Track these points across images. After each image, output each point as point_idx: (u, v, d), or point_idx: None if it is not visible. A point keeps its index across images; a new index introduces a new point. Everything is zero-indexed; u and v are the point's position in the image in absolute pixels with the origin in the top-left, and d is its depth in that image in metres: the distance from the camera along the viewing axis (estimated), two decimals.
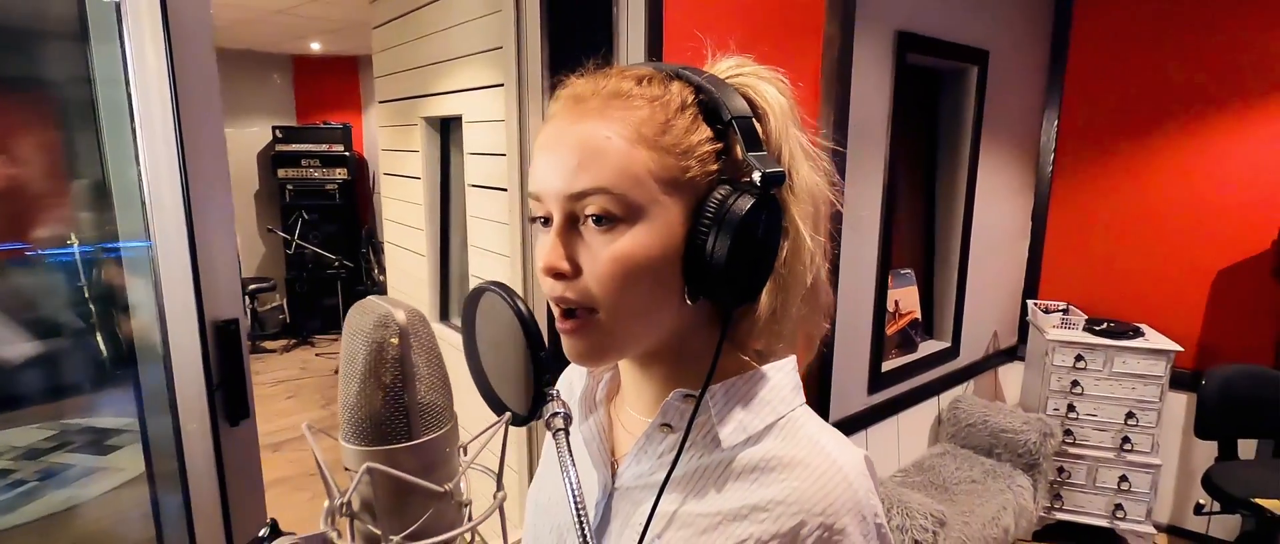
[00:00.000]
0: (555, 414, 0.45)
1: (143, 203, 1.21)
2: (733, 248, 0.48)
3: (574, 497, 0.41)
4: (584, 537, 0.40)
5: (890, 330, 2.55)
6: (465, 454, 0.46)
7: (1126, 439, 2.71)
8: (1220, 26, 2.71)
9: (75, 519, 1.40)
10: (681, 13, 1.67)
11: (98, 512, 1.44)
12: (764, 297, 0.54)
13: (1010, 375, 3.27)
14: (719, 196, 0.50)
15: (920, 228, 2.89)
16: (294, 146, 5.92)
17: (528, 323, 0.45)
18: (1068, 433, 2.77)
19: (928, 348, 2.78)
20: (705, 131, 0.52)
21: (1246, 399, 2.29)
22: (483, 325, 0.49)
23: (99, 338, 1.48)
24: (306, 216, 5.81)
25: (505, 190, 2.28)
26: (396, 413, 0.41)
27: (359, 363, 0.41)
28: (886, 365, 2.49)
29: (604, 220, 0.50)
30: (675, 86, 0.52)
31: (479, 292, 0.49)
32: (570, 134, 0.51)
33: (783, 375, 0.57)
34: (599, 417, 0.62)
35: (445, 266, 3.22)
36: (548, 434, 0.70)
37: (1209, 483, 2.21)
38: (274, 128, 5.87)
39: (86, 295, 1.49)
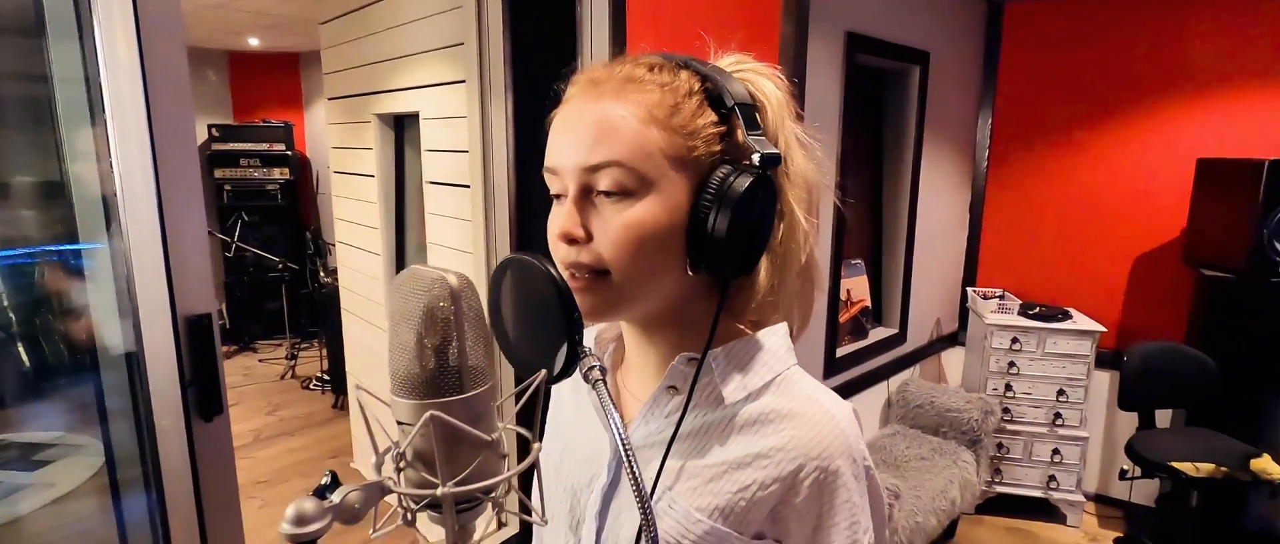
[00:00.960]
0: (592, 366, 0.49)
1: (104, 200, 1.19)
2: (732, 222, 0.53)
3: (621, 438, 0.45)
4: (633, 472, 0.45)
5: (843, 318, 2.67)
6: (502, 412, 0.50)
7: (1058, 415, 2.90)
8: (1135, 32, 2.93)
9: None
10: (644, 10, 1.72)
11: (32, 528, 1.39)
12: (761, 272, 0.60)
13: (952, 359, 3.45)
14: (721, 175, 0.55)
15: (869, 220, 3.03)
16: (232, 146, 5.71)
17: (561, 284, 0.49)
18: (1006, 411, 2.95)
19: (877, 334, 2.91)
20: (710, 116, 0.57)
21: (1163, 373, 2.49)
22: (510, 295, 0.53)
23: (21, 348, 1.43)
24: (246, 218, 5.62)
25: (468, 187, 2.28)
26: (448, 369, 0.45)
27: (416, 323, 0.44)
28: (840, 351, 2.60)
29: (616, 191, 0.55)
30: (684, 74, 0.57)
31: (509, 261, 0.52)
32: (588, 112, 0.56)
33: (777, 339, 0.63)
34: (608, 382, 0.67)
35: (401, 265, 3.19)
36: (552, 403, 0.75)
37: (1131, 451, 2.40)
38: (210, 126, 5.65)
39: (4, 303, 1.44)
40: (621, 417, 0.66)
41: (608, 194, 0.55)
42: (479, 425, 0.46)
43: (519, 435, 0.51)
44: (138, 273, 1.11)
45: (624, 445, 0.45)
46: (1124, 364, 2.51)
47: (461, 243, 2.50)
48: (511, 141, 1.91)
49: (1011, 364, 2.93)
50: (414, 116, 2.72)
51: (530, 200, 1.95)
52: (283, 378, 4.93)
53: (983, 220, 3.36)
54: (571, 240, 0.56)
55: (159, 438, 1.16)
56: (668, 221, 0.55)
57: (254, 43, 5.65)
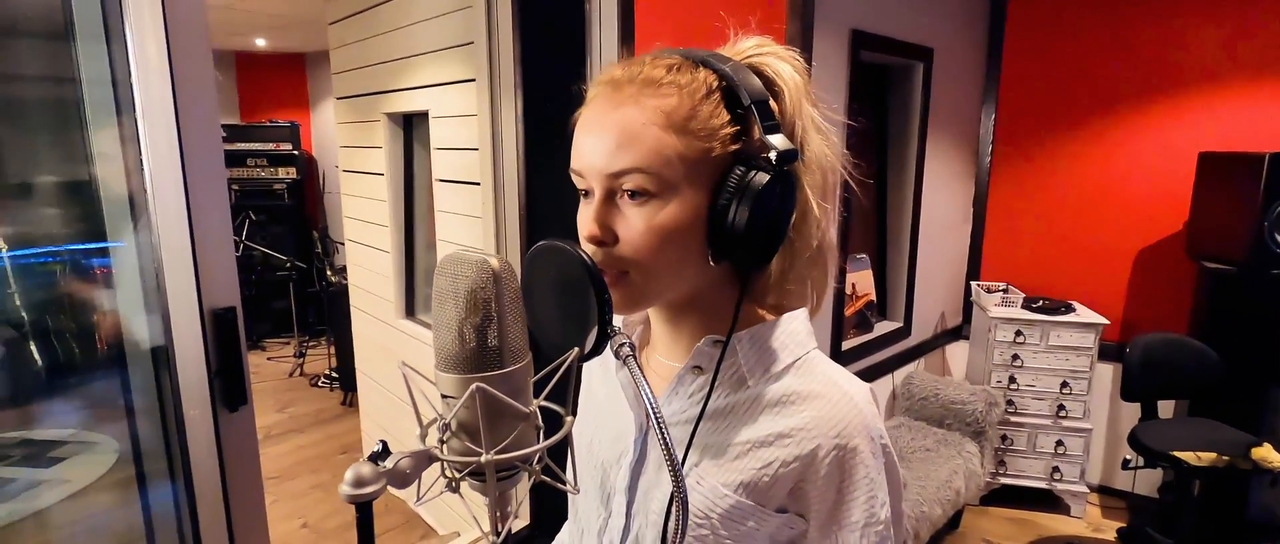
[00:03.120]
0: (623, 344, 0.53)
1: (131, 198, 1.23)
2: (750, 218, 0.56)
3: (654, 409, 0.48)
4: (664, 440, 0.48)
5: (848, 312, 2.70)
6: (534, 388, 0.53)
7: (1062, 406, 2.93)
8: (1138, 27, 2.95)
9: (19, 537, 1.38)
10: (652, 8, 1.75)
11: (53, 521, 1.42)
12: (775, 258, 0.62)
13: (956, 353, 3.48)
14: (738, 173, 0.57)
15: (873, 215, 3.06)
16: (239, 145, 5.76)
17: (593, 268, 0.52)
18: (1010, 403, 2.98)
19: (882, 328, 2.94)
20: (726, 115, 0.59)
21: (1165, 364, 2.52)
22: (544, 278, 0.56)
23: (37, 346, 1.45)
24: (254, 217, 5.66)
25: (478, 185, 2.31)
26: (489, 346, 0.48)
27: (460, 304, 0.47)
28: (846, 345, 2.63)
29: (639, 195, 0.58)
30: (702, 74, 0.59)
31: (543, 247, 0.56)
32: (610, 119, 0.58)
33: (798, 323, 0.66)
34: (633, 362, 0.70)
35: (411, 263, 3.23)
36: (584, 387, 0.78)
37: (1134, 440, 2.43)
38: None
39: (18, 303, 1.46)
40: None
41: (631, 196, 0.58)
42: (517, 399, 0.50)
43: (550, 412, 0.54)
44: (167, 268, 1.15)
45: (655, 414, 0.48)
46: (1126, 355, 2.53)
47: (471, 239, 2.53)
48: (521, 139, 1.94)
49: (1015, 357, 2.95)
50: (423, 115, 2.75)
51: (540, 197, 1.98)
52: (291, 376, 4.97)
53: (986, 214, 3.39)
54: (598, 242, 0.59)
55: (187, 428, 1.20)
56: (689, 221, 0.58)
57: (261, 43, 5.69)
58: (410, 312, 3.20)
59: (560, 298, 0.55)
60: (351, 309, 3.57)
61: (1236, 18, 2.77)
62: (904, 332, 3.01)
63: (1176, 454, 2.26)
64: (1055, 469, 2.97)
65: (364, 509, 0.45)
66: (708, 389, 0.62)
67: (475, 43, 2.11)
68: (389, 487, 0.47)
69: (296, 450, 3.80)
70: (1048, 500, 3.06)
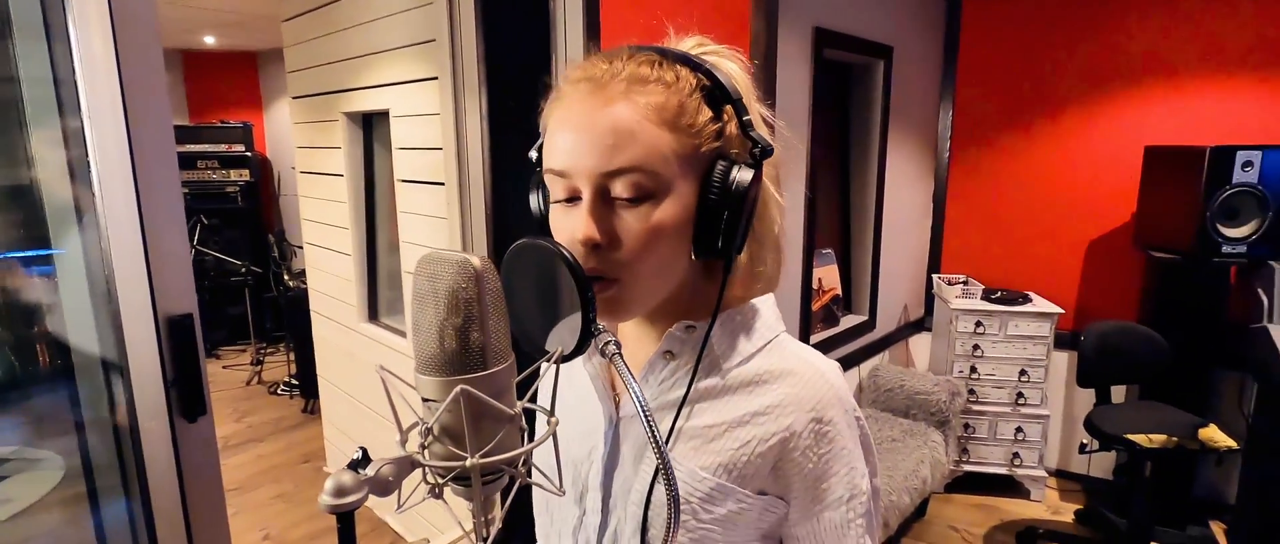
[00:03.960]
0: (608, 341, 0.52)
1: (77, 202, 1.17)
2: (735, 212, 0.57)
3: (642, 405, 0.48)
4: (653, 436, 0.47)
5: (815, 306, 2.74)
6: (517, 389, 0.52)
7: (1020, 394, 3.02)
8: (1085, 26, 3.05)
9: None
10: (617, 4, 1.74)
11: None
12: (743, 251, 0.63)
13: (919, 344, 3.55)
14: (722, 168, 0.57)
15: (837, 211, 3.10)
16: (189, 147, 5.56)
17: (574, 264, 0.51)
18: (971, 392, 3.06)
19: (848, 321, 2.99)
20: (709, 112, 0.59)
21: (1118, 351, 2.61)
22: (523, 278, 0.55)
23: None
24: (206, 221, 5.47)
25: (442, 184, 2.28)
26: (472, 348, 0.47)
27: (441, 305, 0.46)
28: (813, 338, 2.67)
29: (636, 195, 0.56)
30: (683, 72, 0.59)
31: (523, 246, 0.54)
32: (602, 116, 0.56)
33: (767, 308, 0.67)
34: (598, 358, 0.69)
35: (373, 265, 3.16)
36: (544, 383, 0.77)
37: (1090, 425, 2.51)
38: None
39: None
40: (615, 389, 0.69)
41: (628, 199, 0.56)
42: (501, 401, 0.48)
43: (528, 413, 0.53)
44: (119, 274, 1.10)
45: (642, 407, 0.48)
46: (1082, 343, 2.62)
47: (436, 240, 2.49)
48: (487, 138, 1.91)
49: (976, 347, 3.03)
50: (384, 114, 2.69)
51: (506, 196, 1.96)
52: (249, 384, 4.83)
53: (946, 209, 3.47)
54: (595, 246, 0.57)
55: (143, 441, 1.15)
56: (681, 219, 0.58)
57: (210, 41, 5.50)
58: (373, 315, 3.13)
59: (540, 297, 0.54)
60: (311, 314, 3.48)
61: (1180, 16, 2.88)
62: (869, 324, 3.06)
63: (1130, 437, 2.35)
64: (1015, 455, 3.06)
65: (345, 519, 0.44)
66: (692, 372, 0.62)
67: (437, 40, 2.07)
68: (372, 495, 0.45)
69: (257, 460, 3.69)
70: (1009, 486, 3.15)
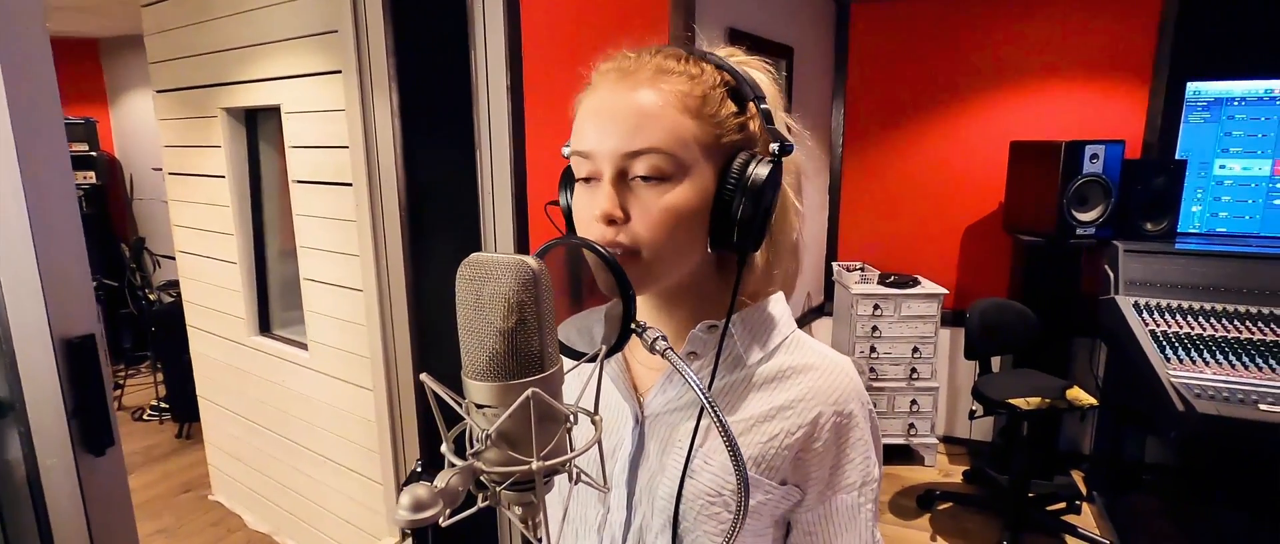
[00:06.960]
0: (657, 337, 0.52)
1: None
2: (752, 205, 0.59)
3: (707, 399, 0.48)
4: (727, 436, 0.48)
5: None
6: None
7: (914, 370, 3.27)
8: (961, 30, 3.35)
9: None
10: (537, 3, 1.71)
11: None
12: (759, 250, 0.65)
13: (822, 328, 3.76)
14: (742, 161, 0.59)
15: None
16: None
17: (614, 263, 0.51)
18: (872, 370, 3.28)
19: None
20: (731, 107, 0.61)
21: (997, 325, 2.89)
22: (558, 278, 0.54)
23: None
24: None
25: (349, 185, 2.15)
26: (532, 350, 0.45)
27: (500, 308, 0.44)
28: None
29: (654, 175, 0.58)
30: (707, 67, 0.62)
31: (555, 244, 0.54)
32: (627, 100, 0.59)
33: (781, 307, 0.70)
34: (619, 357, 0.69)
35: (262, 272, 2.92)
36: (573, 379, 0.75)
37: (977, 393, 2.77)
38: None
39: None
40: (636, 387, 0.69)
41: (645, 179, 0.58)
42: (557, 402, 0.47)
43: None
44: (7, 294, 0.96)
45: (707, 400, 0.48)
46: (967, 320, 2.88)
47: (342, 244, 2.35)
48: (400, 135, 1.82)
49: (874, 328, 3.25)
50: (273, 110, 2.50)
51: (424, 196, 1.88)
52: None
53: (841, 199, 3.69)
54: (611, 221, 0.58)
55: (44, 480, 1.01)
56: (698, 204, 0.59)
57: None
58: (265, 327, 2.90)
59: (580, 296, 0.54)
60: (188, 329, 3.17)
61: (1036, 26, 3.22)
62: None
63: (1011, 401, 2.61)
64: (911, 425, 3.32)
65: (421, 535, 0.41)
66: (713, 366, 0.64)
67: (340, 31, 1.95)
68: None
69: (132, 493, 3.31)
70: (905, 454, 3.41)
